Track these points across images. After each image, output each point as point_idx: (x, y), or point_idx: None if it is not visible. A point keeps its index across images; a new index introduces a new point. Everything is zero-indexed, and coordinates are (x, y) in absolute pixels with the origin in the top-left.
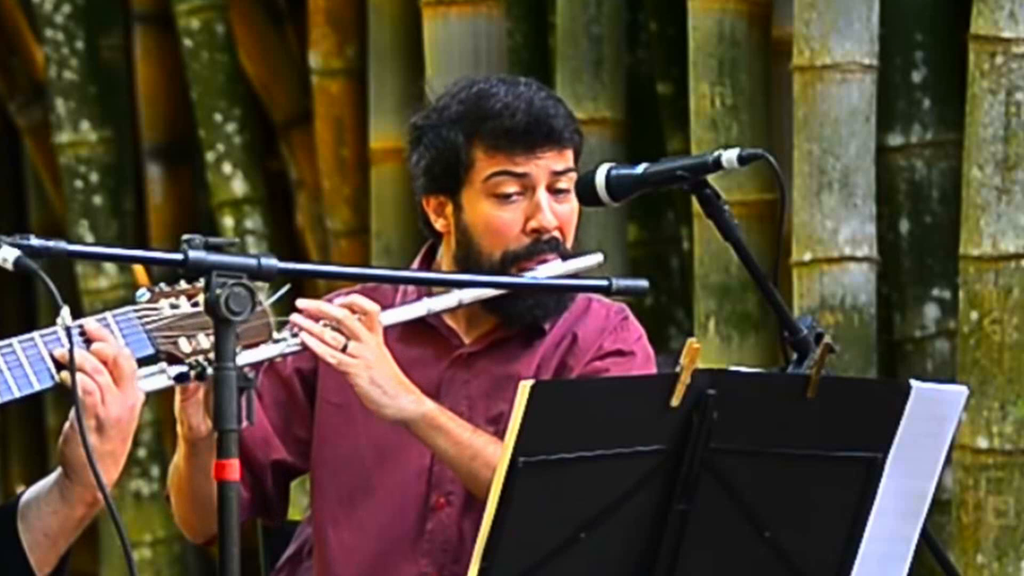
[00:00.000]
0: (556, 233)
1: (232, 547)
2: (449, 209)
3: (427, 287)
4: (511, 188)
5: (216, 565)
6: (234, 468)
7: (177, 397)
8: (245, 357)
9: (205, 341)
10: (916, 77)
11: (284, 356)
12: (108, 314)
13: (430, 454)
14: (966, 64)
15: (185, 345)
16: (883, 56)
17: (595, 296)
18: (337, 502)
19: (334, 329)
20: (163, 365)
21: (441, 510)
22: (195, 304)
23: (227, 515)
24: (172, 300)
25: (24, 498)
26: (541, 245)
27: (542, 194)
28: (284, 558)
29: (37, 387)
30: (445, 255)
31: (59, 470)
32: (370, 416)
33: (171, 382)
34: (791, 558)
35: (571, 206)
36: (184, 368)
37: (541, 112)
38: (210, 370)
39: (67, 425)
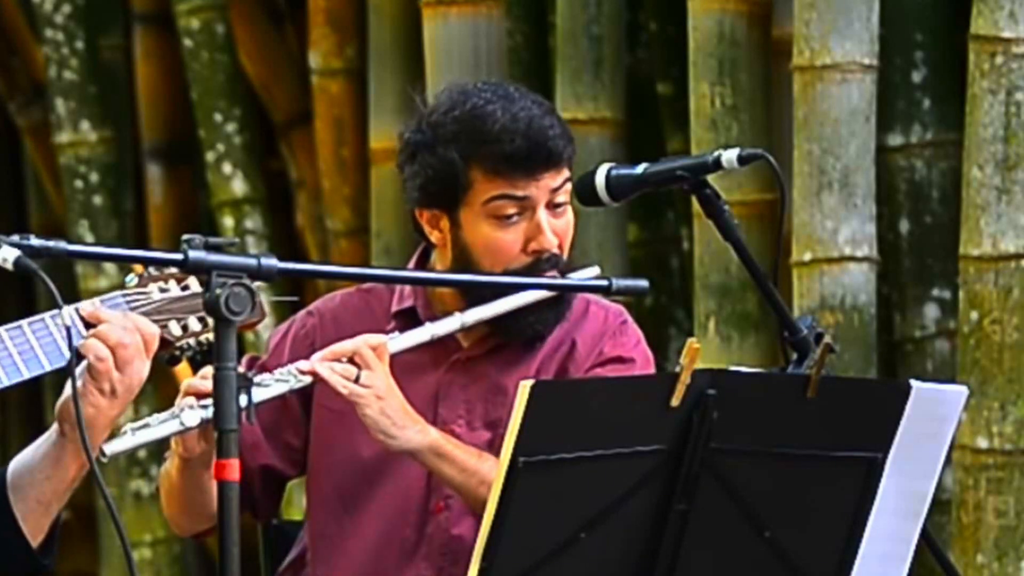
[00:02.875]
0: (556, 250)
1: (232, 547)
2: (445, 223)
3: (423, 288)
4: (511, 210)
5: (216, 565)
6: (234, 468)
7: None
8: (255, 396)
9: (195, 324)
10: (916, 77)
11: (294, 391)
12: (96, 300)
13: None
14: (966, 64)
15: (175, 328)
16: (883, 56)
17: (593, 298)
18: (339, 507)
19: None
20: (174, 411)
21: (440, 514)
22: (184, 288)
23: (227, 515)
24: (161, 284)
25: (12, 470)
26: (542, 264)
27: (542, 214)
28: (286, 563)
29: (48, 367)
30: (439, 263)
31: (49, 437)
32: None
33: (182, 428)
34: (791, 558)
35: (568, 218)
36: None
37: (540, 135)
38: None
39: (80, 384)
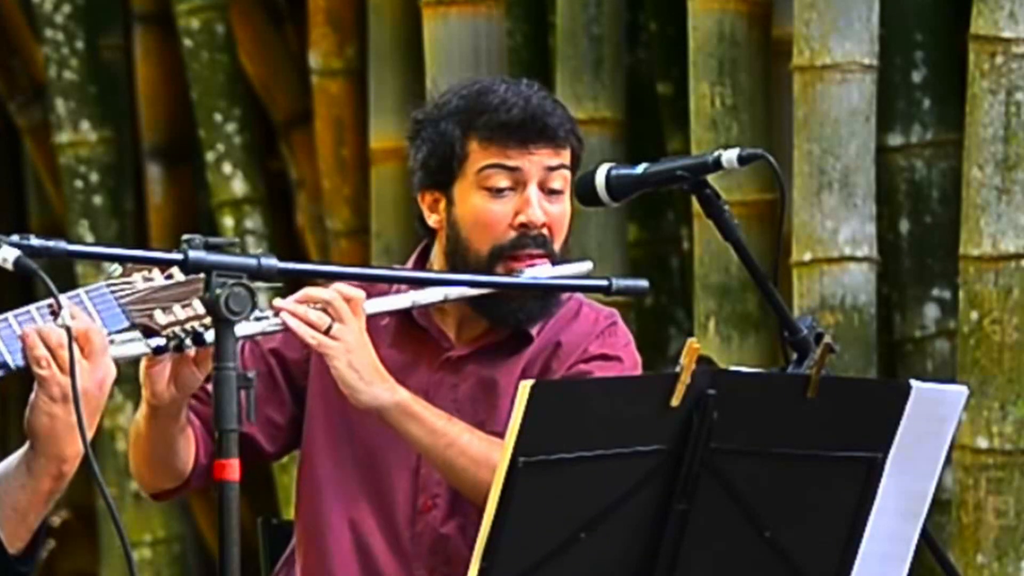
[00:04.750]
0: (544, 231)
1: (232, 547)
2: (442, 205)
3: (420, 286)
4: (503, 182)
5: (216, 565)
6: (234, 468)
7: (143, 361)
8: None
9: (181, 312)
10: (916, 77)
11: (266, 334)
12: (81, 290)
13: (416, 457)
14: (966, 64)
15: (161, 317)
16: (883, 56)
17: (587, 300)
18: (327, 503)
19: (319, 311)
20: (138, 334)
21: (428, 512)
22: (168, 276)
23: (227, 516)
24: (145, 273)
25: None
26: (527, 239)
27: (532, 190)
28: (283, 558)
29: (11, 366)
30: (437, 253)
31: (27, 445)
32: (360, 419)
33: (147, 350)
34: (791, 558)
35: (563, 207)
36: (162, 341)
37: (538, 108)
38: (188, 341)
39: (32, 395)
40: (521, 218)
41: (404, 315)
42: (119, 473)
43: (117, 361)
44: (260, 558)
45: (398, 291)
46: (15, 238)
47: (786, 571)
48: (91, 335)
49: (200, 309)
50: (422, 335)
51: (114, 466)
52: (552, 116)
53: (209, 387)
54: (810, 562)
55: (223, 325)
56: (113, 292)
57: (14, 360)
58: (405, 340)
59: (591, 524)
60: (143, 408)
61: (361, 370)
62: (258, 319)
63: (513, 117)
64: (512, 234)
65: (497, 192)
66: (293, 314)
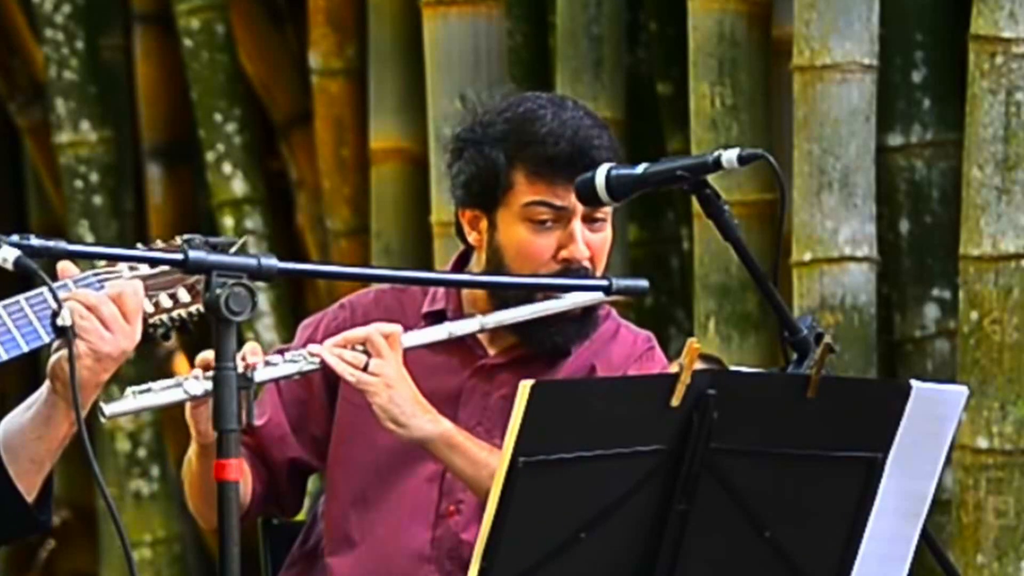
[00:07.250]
0: (586, 263)
1: (232, 547)
2: (484, 224)
3: (456, 292)
4: (547, 216)
5: (216, 565)
6: (234, 468)
7: (187, 403)
8: (263, 374)
9: (167, 301)
10: (916, 77)
11: (302, 374)
12: (68, 280)
13: None
14: (966, 64)
15: (147, 305)
16: (883, 56)
17: (623, 322)
18: (350, 503)
19: (355, 348)
20: (179, 379)
21: (451, 518)
22: (154, 266)
23: (227, 515)
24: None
25: (3, 431)
26: (570, 274)
27: (577, 225)
28: (297, 553)
29: (47, 339)
30: (474, 267)
31: (40, 396)
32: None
33: (185, 396)
34: (791, 558)
35: (605, 235)
36: (199, 389)
37: (585, 142)
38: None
39: (62, 348)
40: (564, 253)
41: (440, 321)
42: (119, 473)
43: (155, 409)
44: (260, 558)
45: (434, 295)
46: (15, 238)
47: (786, 571)
48: (125, 298)
49: (185, 297)
50: (456, 340)
51: (114, 466)
52: (599, 150)
53: (253, 420)
54: (810, 562)
55: (223, 325)
56: (101, 281)
57: (49, 335)
58: (439, 344)
59: (591, 524)
60: (193, 447)
61: (402, 404)
62: (294, 360)
63: (561, 152)
64: (555, 267)
65: (541, 224)
66: (331, 352)
